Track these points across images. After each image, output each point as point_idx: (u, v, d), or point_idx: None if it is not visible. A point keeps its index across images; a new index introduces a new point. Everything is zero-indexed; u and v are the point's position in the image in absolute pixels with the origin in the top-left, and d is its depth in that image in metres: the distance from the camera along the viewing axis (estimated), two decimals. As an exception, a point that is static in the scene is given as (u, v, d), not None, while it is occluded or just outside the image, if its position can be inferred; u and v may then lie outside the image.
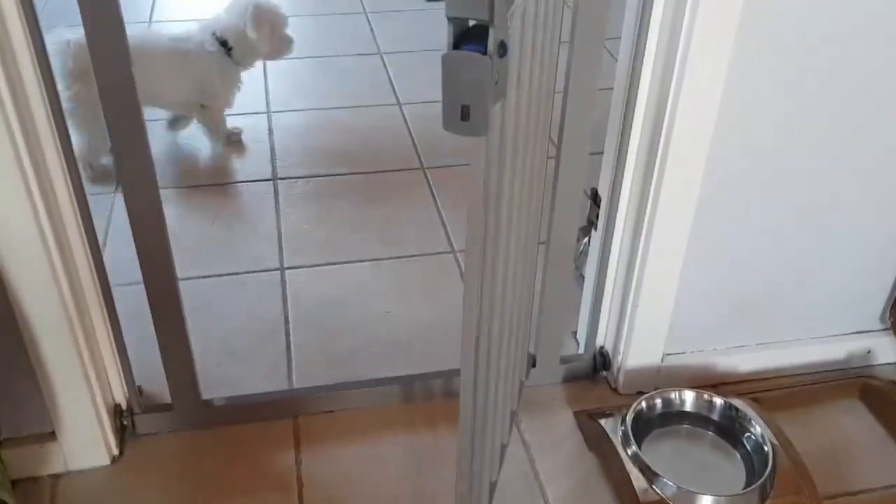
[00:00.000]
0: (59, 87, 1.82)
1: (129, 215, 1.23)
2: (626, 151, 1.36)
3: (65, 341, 1.27)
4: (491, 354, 1.07)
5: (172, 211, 1.94)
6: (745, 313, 1.50)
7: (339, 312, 1.73)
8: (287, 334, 1.67)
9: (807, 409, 1.49)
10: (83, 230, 1.27)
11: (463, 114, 0.65)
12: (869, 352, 1.57)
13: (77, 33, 1.82)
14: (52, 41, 1.85)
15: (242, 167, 2.22)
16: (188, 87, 2.18)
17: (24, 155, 1.10)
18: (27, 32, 1.08)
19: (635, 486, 1.28)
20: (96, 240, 1.30)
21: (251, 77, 2.60)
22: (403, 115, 2.45)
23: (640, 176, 1.37)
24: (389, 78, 2.64)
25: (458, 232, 1.96)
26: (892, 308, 1.53)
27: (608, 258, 1.47)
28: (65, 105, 1.88)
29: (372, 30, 2.97)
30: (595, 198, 1.48)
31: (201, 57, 2.16)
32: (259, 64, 2.37)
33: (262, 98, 2.51)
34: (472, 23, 0.66)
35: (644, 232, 1.39)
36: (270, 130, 2.36)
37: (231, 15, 2.17)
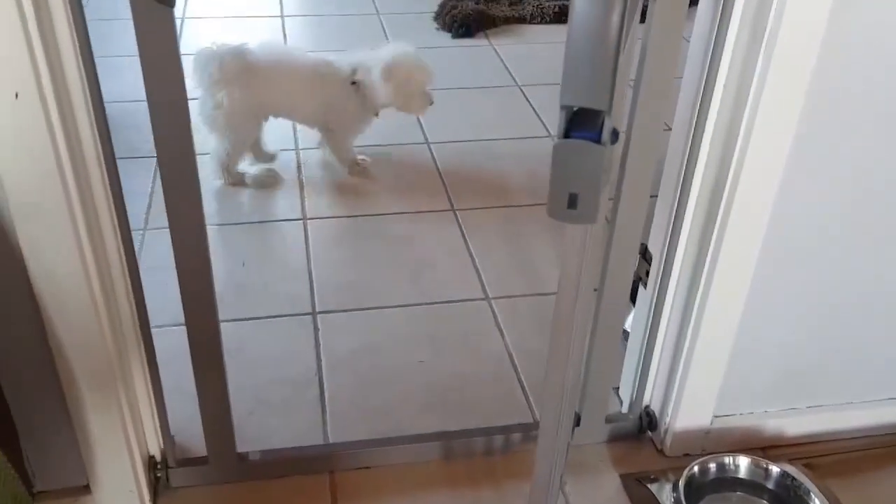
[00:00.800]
0: (203, 95, 2.03)
1: (177, 260, 1.19)
2: (685, 207, 1.33)
3: (105, 390, 1.23)
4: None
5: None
6: (798, 377, 1.46)
7: (372, 360, 1.68)
8: (321, 383, 1.63)
9: (862, 475, 1.45)
10: (127, 271, 1.23)
11: (571, 202, 0.61)
12: (922, 417, 1.53)
13: (220, 46, 2.05)
14: (198, 52, 2.05)
15: (272, 205, 2.19)
16: (318, 108, 2.22)
17: (74, 199, 1.06)
18: (85, 86, 1.05)
19: (690, 558, 1.23)
20: (140, 282, 1.26)
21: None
22: (432, 154, 2.42)
23: (698, 233, 1.33)
24: (416, 117, 2.62)
25: (491, 278, 1.92)
26: (946, 373, 1.49)
27: (660, 316, 1.43)
28: (208, 113, 2.06)
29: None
30: (644, 253, 1.45)
31: (335, 84, 2.18)
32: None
33: (290, 134, 2.48)
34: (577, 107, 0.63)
35: (700, 291, 1.35)
36: (299, 166, 2.33)
37: (375, 57, 2.16)
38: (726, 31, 1.17)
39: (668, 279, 1.40)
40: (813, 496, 1.31)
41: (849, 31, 1.13)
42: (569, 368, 0.92)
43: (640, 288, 1.46)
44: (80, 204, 1.08)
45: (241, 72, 2.06)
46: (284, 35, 3.15)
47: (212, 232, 2.03)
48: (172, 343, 1.33)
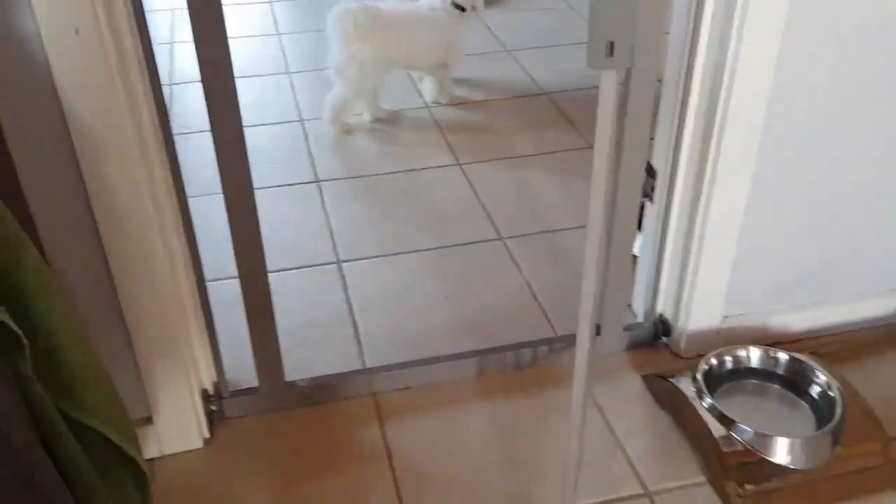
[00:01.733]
0: (337, 48, 2.32)
1: (229, 212, 1.32)
2: (684, 125, 1.44)
3: (168, 329, 1.33)
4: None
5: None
6: (799, 276, 1.58)
7: (399, 300, 1.79)
8: (353, 321, 1.73)
9: (862, 360, 1.57)
10: (181, 221, 1.34)
11: (609, 49, 0.72)
12: (913, 307, 1.66)
13: (356, 4, 2.32)
14: (336, 11, 2.32)
15: (283, 171, 2.29)
16: (440, 50, 2.50)
17: (131, 134, 1.16)
18: (133, 28, 1.15)
19: (714, 435, 1.35)
20: (193, 232, 1.36)
21: (280, 89, 2.70)
22: (433, 117, 2.52)
23: (698, 147, 1.45)
24: (414, 83, 2.73)
25: (501, 221, 2.03)
26: (934, 263, 1.61)
27: (668, 228, 1.55)
28: (341, 65, 2.34)
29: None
30: (649, 170, 1.56)
31: (453, 21, 2.49)
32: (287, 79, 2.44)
33: (293, 107, 2.58)
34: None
35: (703, 203, 1.47)
36: (306, 137, 2.43)
37: None
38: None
39: (674, 192, 1.51)
40: (819, 374, 1.43)
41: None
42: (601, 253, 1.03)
43: (647, 203, 1.58)
44: (137, 142, 1.18)
45: (373, 27, 2.31)
46: (275, 18, 3.24)
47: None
48: (219, 296, 1.45)
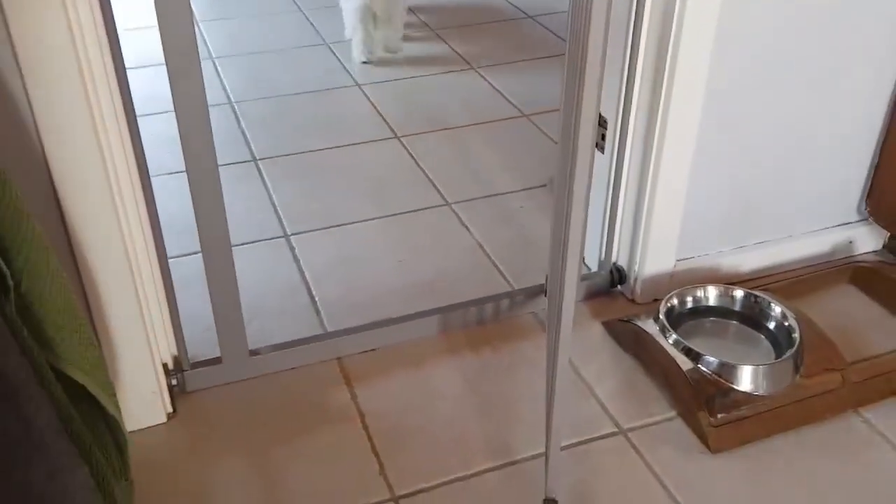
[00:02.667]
0: None
1: (192, 185, 1.29)
2: (635, 72, 1.47)
3: (129, 304, 1.27)
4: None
5: (170, 194, 1.92)
6: (744, 215, 1.63)
7: (353, 268, 1.76)
8: (309, 290, 1.70)
9: (808, 296, 1.63)
10: (144, 199, 1.29)
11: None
12: (850, 242, 1.73)
13: None
14: None
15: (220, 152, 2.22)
16: None
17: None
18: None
19: (682, 368, 1.38)
20: (154, 208, 1.31)
21: (206, 74, 2.62)
22: (365, 94, 2.50)
23: (648, 94, 1.48)
24: (342, 64, 2.70)
25: (446, 188, 2.03)
26: (867, 199, 1.70)
27: (620, 177, 1.57)
28: (355, 6, 2.50)
29: (312, 24, 3.03)
30: (600, 121, 1.58)
31: None
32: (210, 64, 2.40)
33: (221, 91, 2.51)
34: None
35: (654, 149, 1.50)
36: (237, 117, 2.38)
37: None
38: None
39: (625, 140, 1.54)
40: (774, 307, 1.48)
41: None
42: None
43: (598, 153, 1.60)
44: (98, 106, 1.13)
45: None
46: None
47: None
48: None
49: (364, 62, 2.66)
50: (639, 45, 1.44)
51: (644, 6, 1.41)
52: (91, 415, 0.91)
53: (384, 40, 2.68)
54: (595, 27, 0.85)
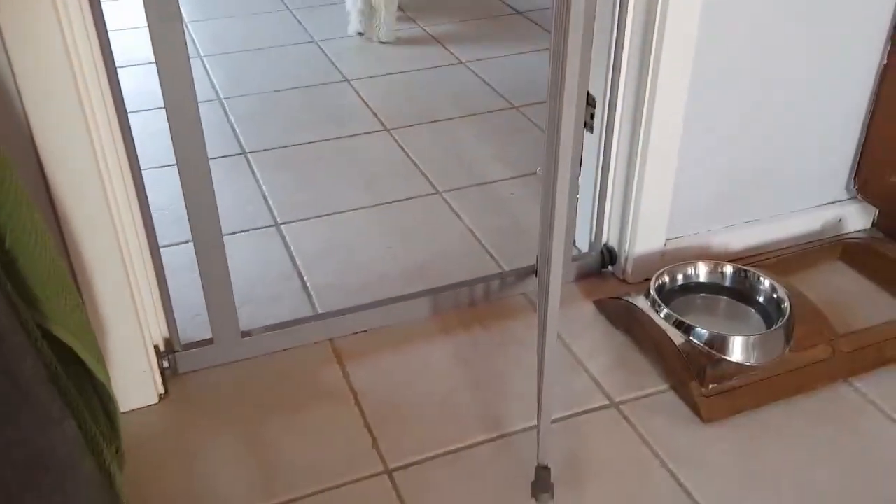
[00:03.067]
0: None
1: (182, 172, 1.29)
2: (622, 50, 1.48)
3: (119, 288, 1.27)
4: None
5: (161, 186, 1.92)
6: (733, 194, 1.64)
7: (344, 254, 1.76)
8: (300, 275, 1.69)
9: (798, 272, 1.64)
10: (134, 187, 1.29)
11: None
12: (840, 220, 1.74)
13: None
14: None
15: (210, 146, 2.22)
16: None
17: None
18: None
19: (674, 341, 1.38)
20: (145, 194, 1.32)
21: (195, 72, 2.63)
22: (354, 89, 2.51)
23: (636, 70, 1.48)
24: (331, 61, 2.71)
25: (436, 177, 2.03)
26: (855, 176, 1.71)
27: (609, 156, 1.58)
28: None
29: (300, 22, 3.04)
30: (588, 99, 1.59)
31: None
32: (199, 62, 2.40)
33: (210, 88, 2.52)
34: None
35: (643, 127, 1.51)
36: (226, 112, 2.38)
37: None
38: None
39: (613, 119, 1.55)
40: (764, 281, 1.49)
41: None
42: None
43: (587, 133, 1.61)
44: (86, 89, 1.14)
45: None
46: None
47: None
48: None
49: (360, 33, 2.83)
50: (625, 21, 1.45)
51: (629, -17, 1.42)
52: (79, 379, 0.90)
53: (378, 22, 2.78)
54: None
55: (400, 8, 3.03)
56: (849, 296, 1.60)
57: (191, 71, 1.23)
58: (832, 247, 1.69)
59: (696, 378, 1.34)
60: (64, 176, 1.16)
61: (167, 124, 1.25)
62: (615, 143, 1.57)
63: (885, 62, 1.59)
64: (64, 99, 1.11)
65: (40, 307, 0.85)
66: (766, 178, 1.65)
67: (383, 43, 2.81)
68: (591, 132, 1.60)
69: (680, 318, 1.40)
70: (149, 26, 1.17)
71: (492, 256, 1.75)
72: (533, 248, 1.73)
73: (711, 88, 1.50)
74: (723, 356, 1.35)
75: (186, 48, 1.22)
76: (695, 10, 1.41)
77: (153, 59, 1.19)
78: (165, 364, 1.42)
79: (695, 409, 1.33)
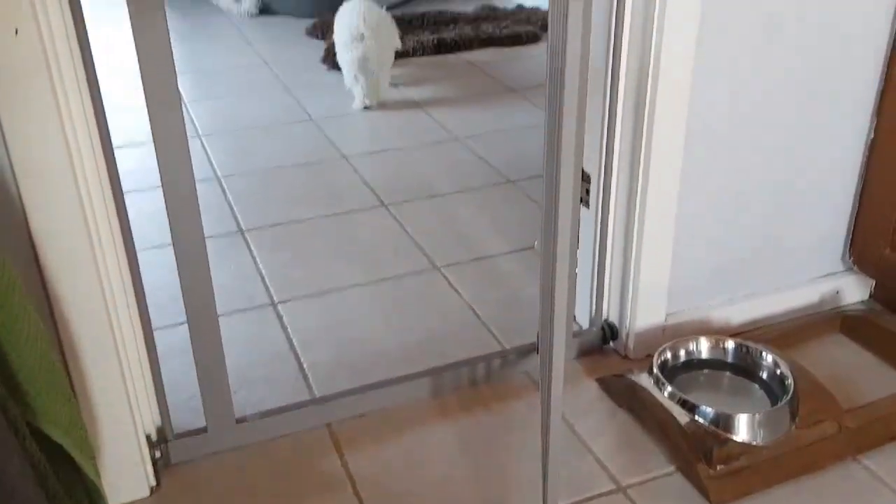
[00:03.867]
0: (352, 45, 2.77)
1: (178, 254, 1.29)
2: (615, 127, 1.49)
3: (112, 375, 1.26)
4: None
5: (154, 267, 1.91)
6: (731, 267, 1.64)
7: (342, 333, 1.75)
8: (297, 356, 1.67)
9: (799, 346, 1.62)
10: (129, 270, 1.28)
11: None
12: (837, 292, 1.73)
13: (363, 3, 2.84)
14: (343, 9, 2.85)
15: (207, 225, 2.22)
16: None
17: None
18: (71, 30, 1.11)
19: (679, 421, 1.35)
20: (139, 278, 1.31)
21: (194, 151, 2.66)
22: (351, 165, 2.53)
23: (628, 148, 1.50)
24: (328, 138, 2.74)
25: (434, 252, 2.03)
26: (850, 248, 1.71)
27: (606, 233, 1.58)
28: (354, 57, 2.79)
29: (298, 101, 3.08)
30: (583, 176, 1.60)
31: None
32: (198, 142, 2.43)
33: (208, 166, 2.54)
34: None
35: (638, 203, 1.51)
36: (224, 191, 2.39)
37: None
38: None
39: (609, 195, 1.55)
40: (766, 356, 1.47)
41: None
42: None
43: (583, 208, 1.61)
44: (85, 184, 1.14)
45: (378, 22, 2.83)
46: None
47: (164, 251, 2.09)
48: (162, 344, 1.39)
49: (366, 108, 2.94)
50: (617, 100, 1.47)
51: (620, 63, 1.44)
52: (69, 479, 0.88)
53: (375, 88, 2.94)
54: (570, 76, 0.86)
55: (393, 84, 3.09)
56: (850, 369, 1.58)
57: (188, 151, 1.23)
58: (831, 319, 1.68)
59: (702, 459, 1.31)
60: (56, 256, 1.15)
61: (162, 204, 1.25)
62: (612, 218, 1.57)
63: (873, 136, 1.61)
64: (59, 179, 1.11)
65: (30, 402, 0.83)
66: (762, 252, 1.65)
67: (380, 104, 2.97)
68: (588, 207, 1.60)
69: (684, 396, 1.38)
70: (147, 106, 1.17)
71: (491, 333, 1.73)
72: (533, 323, 1.72)
73: (703, 164, 1.51)
74: (729, 435, 1.33)
75: (184, 128, 1.22)
76: (685, 90, 1.43)
77: (151, 139, 1.20)
78: (157, 454, 1.39)
79: (703, 492, 1.30)
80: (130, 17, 1.11)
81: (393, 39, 3.00)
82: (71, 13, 1.09)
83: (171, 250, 1.28)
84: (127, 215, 1.26)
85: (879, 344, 1.62)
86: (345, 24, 2.84)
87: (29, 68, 1.04)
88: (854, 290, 1.75)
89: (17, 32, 1.00)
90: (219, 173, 2.50)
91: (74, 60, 1.11)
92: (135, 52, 1.13)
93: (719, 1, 1.38)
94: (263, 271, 1.98)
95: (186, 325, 1.34)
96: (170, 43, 1.15)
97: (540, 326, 1.35)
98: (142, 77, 1.15)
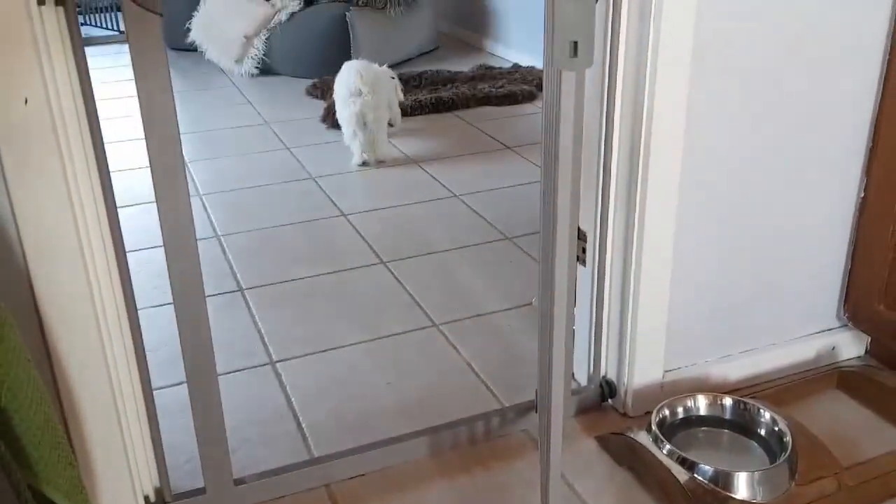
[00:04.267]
0: (350, 100, 2.93)
1: (178, 313, 1.30)
2: (609, 189, 1.52)
3: (112, 436, 1.27)
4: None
5: (157, 326, 1.93)
6: (727, 324, 1.65)
7: (341, 391, 1.75)
8: (295, 416, 1.67)
9: (796, 402, 1.63)
10: (129, 328, 1.30)
11: (573, 49, 0.77)
12: (833, 348, 1.75)
13: (360, 63, 3.02)
14: (344, 68, 3.01)
15: (207, 283, 2.24)
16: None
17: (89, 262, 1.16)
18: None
19: (679, 479, 1.35)
20: (140, 337, 1.32)
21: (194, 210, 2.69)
22: (350, 223, 2.56)
23: (623, 206, 1.52)
24: (328, 196, 2.77)
25: (433, 309, 2.04)
26: (845, 304, 1.72)
27: (603, 290, 1.60)
28: (355, 112, 2.92)
29: (298, 160, 3.13)
30: (579, 234, 1.62)
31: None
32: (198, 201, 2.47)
33: (208, 225, 2.56)
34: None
35: (634, 261, 1.53)
36: (224, 250, 2.41)
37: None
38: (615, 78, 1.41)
39: (605, 253, 1.58)
40: (764, 413, 1.48)
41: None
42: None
43: (580, 266, 1.63)
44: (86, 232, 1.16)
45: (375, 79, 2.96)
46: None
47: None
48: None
49: (364, 163, 3.02)
50: (611, 158, 1.50)
51: (613, 123, 1.47)
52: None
53: (373, 144, 3.02)
54: (564, 141, 0.89)
55: (391, 141, 3.14)
56: (848, 426, 1.58)
57: (191, 211, 1.25)
58: (828, 376, 1.68)
59: (702, 518, 1.31)
60: (58, 316, 1.16)
61: (160, 264, 1.26)
62: (608, 275, 1.59)
63: (863, 195, 1.64)
64: (63, 240, 1.13)
65: (33, 466, 0.84)
66: (758, 309, 1.67)
67: (380, 162, 3.04)
68: (584, 266, 1.62)
69: (683, 454, 1.38)
70: (151, 168, 1.20)
71: (490, 390, 1.74)
72: (532, 380, 1.72)
73: (697, 223, 1.54)
74: (729, 494, 1.32)
75: (187, 188, 1.24)
76: (677, 148, 1.46)
77: (152, 199, 1.22)
78: (156, 516, 1.38)
79: (703, 552, 1.29)
80: (136, 81, 1.14)
81: (392, 95, 3.15)
82: (80, 82, 1.13)
83: (167, 309, 1.29)
84: (129, 274, 1.28)
85: (876, 400, 1.62)
86: (343, 81, 2.99)
87: (37, 134, 1.07)
88: (850, 346, 1.77)
89: (27, 101, 1.03)
90: (219, 232, 2.52)
91: (81, 126, 1.14)
92: (140, 117, 1.17)
93: (710, 57, 1.42)
94: (263, 330, 1.99)
95: (182, 385, 1.34)
96: (174, 106, 1.18)
97: (539, 385, 1.36)
98: (146, 139, 1.18)
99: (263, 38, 4.27)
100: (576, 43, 0.77)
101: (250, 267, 2.31)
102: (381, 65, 3.11)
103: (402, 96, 3.25)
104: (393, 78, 3.18)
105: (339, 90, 3.02)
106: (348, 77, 2.96)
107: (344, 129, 3.03)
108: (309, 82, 4.02)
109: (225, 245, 2.44)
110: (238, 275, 2.26)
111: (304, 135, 3.40)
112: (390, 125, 3.20)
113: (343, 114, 3.00)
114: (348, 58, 4.15)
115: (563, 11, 0.76)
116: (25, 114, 1.05)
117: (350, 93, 2.93)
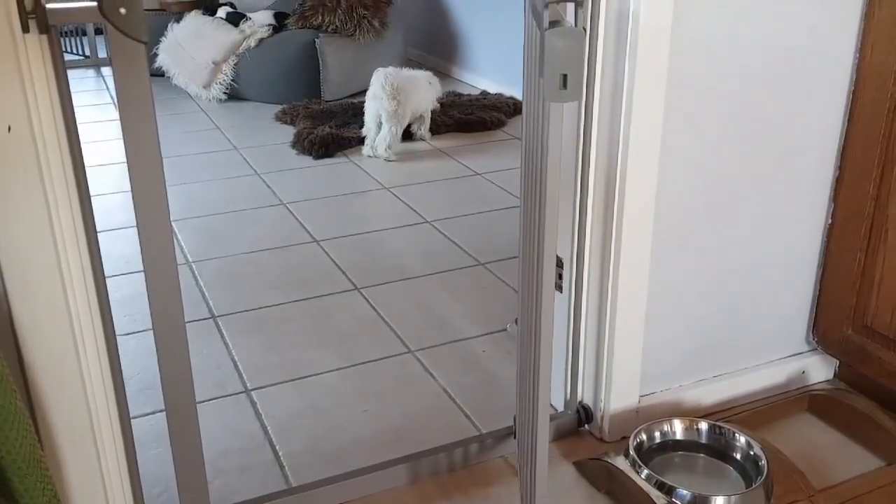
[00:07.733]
0: (385, 101, 3.27)
1: (158, 343, 1.26)
2: (586, 217, 1.54)
3: (89, 467, 1.24)
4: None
5: (128, 355, 1.90)
6: (701, 349, 1.68)
7: (317, 419, 1.74)
8: (272, 445, 1.66)
9: (769, 425, 1.66)
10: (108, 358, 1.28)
11: (562, 83, 0.79)
12: (804, 372, 1.78)
13: (390, 70, 3.36)
14: (376, 73, 3.33)
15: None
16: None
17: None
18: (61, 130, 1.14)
19: (657, 503, 1.37)
20: (119, 367, 1.31)
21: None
22: (323, 249, 2.55)
23: (599, 234, 1.55)
24: (300, 222, 2.77)
25: (408, 336, 2.05)
26: (813, 329, 1.76)
27: (580, 317, 1.62)
28: (372, 112, 3.33)
29: (269, 186, 3.12)
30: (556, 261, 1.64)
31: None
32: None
33: (179, 252, 2.54)
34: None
35: (610, 288, 1.55)
36: (195, 276, 2.39)
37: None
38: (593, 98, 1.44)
39: (581, 280, 1.60)
40: (739, 437, 1.50)
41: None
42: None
43: (557, 293, 1.65)
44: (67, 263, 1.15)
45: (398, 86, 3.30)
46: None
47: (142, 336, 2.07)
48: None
49: (370, 156, 3.37)
50: (588, 187, 1.53)
51: (590, 152, 1.50)
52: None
53: (384, 141, 3.32)
54: (552, 170, 0.91)
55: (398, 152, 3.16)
56: (820, 448, 1.61)
57: (172, 238, 1.24)
58: (799, 399, 1.72)
59: (682, 542, 1.32)
60: (38, 345, 1.14)
61: (128, 290, 1.25)
62: (584, 302, 1.61)
63: (830, 221, 1.69)
64: (43, 268, 1.11)
65: (18, 500, 0.82)
66: (730, 334, 1.70)
67: (388, 161, 3.33)
68: (561, 292, 1.64)
69: (661, 479, 1.39)
70: (133, 195, 1.18)
71: (467, 416, 1.74)
72: (509, 406, 1.73)
73: (671, 251, 1.57)
74: (706, 518, 1.34)
75: (168, 215, 1.22)
76: (652, 178, 1.49)
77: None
78: (132, 549, 1.36)
79: (683, 576, 1.31)
80: (119, 108, 1.13)
81: (423, 101, 3.48)
82: (62, 109, 1.12)
83: (137, 337, 1.28)
84: (109, 303, 1.26)
85: (846, 423, 1.66)
86: (372, 81, 3.37)
87: (19, 162, 1.06)
88: (819, 370, 1.80)
89: (10, 129, 1.02)
90: (190, 258, 2.50)
91: (63, 154, 1.13)
92: (123, 144, 1.16)
93: (682, 96, 1.46)
94: (236, 357, 1.98)
95: (154, 415, 1.33)
96: (157, 134, 1.17)
97: (517, 411, 1.37)
98: (129, 167, 1.16)
99: (232, 63, 4.26)
100: (565, 76, 0.79)
101: (223, 293, 2.29)
102: (403, 71, 3.44)
103: (436, 105, 3.60)
104: (431, 83, 3.50)
105: (369, 90, 3.38)
106: (375, 80, 3.33)
107: (365, 122, 3.40)
108: (278, 108, 4.02)
109: (196, 272, 2.42)
110: (210, 302, 2.25)
111: (274, 160, 3.40)
112: (410, 132, 3.52)
113: (367, 110, 3.40)
114: (317, 84, 4.19)
115: (553, 46, 0.78)
116: (8, 141, 1.04)
117: (373, 94, 3.31)
